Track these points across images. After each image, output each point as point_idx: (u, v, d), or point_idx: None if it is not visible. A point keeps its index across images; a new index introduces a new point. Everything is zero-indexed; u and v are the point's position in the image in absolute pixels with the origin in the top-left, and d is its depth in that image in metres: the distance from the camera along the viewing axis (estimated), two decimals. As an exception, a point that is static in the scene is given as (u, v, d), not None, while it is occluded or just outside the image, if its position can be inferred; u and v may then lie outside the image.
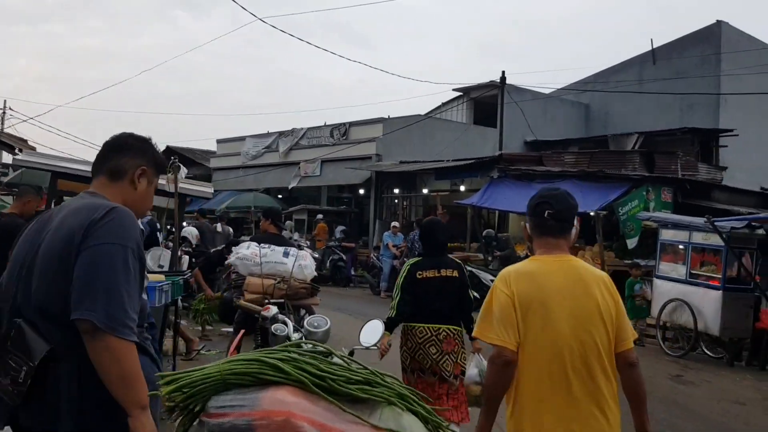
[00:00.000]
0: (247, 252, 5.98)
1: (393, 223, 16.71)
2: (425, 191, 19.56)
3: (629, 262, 11.91)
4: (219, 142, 28.23)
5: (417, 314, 4.46)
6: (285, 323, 3.01)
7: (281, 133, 24.30)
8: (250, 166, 25.32)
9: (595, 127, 24.44)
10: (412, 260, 4.70)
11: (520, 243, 14.33)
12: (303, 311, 7.32)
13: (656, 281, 10.62)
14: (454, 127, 22.67)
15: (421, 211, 19.98)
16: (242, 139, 26.20)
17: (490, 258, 14.63)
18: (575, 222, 2.64)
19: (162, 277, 5.55)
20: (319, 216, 19.94)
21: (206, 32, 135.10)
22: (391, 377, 1.93)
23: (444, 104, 25.27)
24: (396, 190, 20.46)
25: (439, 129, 22.11)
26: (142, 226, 4.33)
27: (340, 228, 19.35)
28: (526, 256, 3.32)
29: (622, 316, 2.50)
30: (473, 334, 2.61)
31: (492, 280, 10.11)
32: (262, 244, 6.08)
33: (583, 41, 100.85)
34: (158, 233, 9.04)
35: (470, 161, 17.12)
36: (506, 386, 2.43)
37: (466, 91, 23.92)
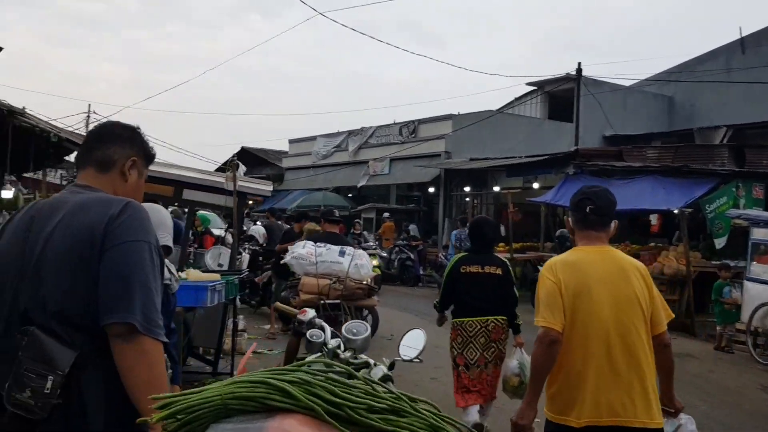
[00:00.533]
0: (302, 251, 5.78)
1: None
2: (496, 189, 18.96)
3: (717, 263, 11.11)
4: (291, 142, 28.59)
5: (464, 309, 4.70)
6: (322, 328, 2.74)
7: (351, 132, 24.35)
8: (320, 165, 25.49)
9: (679, 121, 23.12)
10: (458, 255, 4.99)
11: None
12: (366, 312, 7.07)
13: (747, 284, 9.88)
14: (527, 123, 22.00)
15: (492, 210, 19.45)
16: (313, 138, 26.40)
17: (564, 258, 14.01)
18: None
19: (217, 276, 5.43)
20: (386, 214, 19.74)
21: (281, 36, 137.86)
22: (425, 402, 1.62)
23: (517, 99, 24.63)
24: (466, 188, 20.02)
25: (512, 125, 21.49)
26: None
27: (412, 226, 19.12)
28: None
29: (657, 302, 2.74)
30: (535, 323, 2.73)
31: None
32: (318, 243, 5.89)
33: (662, 31, 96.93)
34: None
35: (544, 157, 16.44)
36: (552, 364, 2.65)
37: (540, 85, 23.21)
